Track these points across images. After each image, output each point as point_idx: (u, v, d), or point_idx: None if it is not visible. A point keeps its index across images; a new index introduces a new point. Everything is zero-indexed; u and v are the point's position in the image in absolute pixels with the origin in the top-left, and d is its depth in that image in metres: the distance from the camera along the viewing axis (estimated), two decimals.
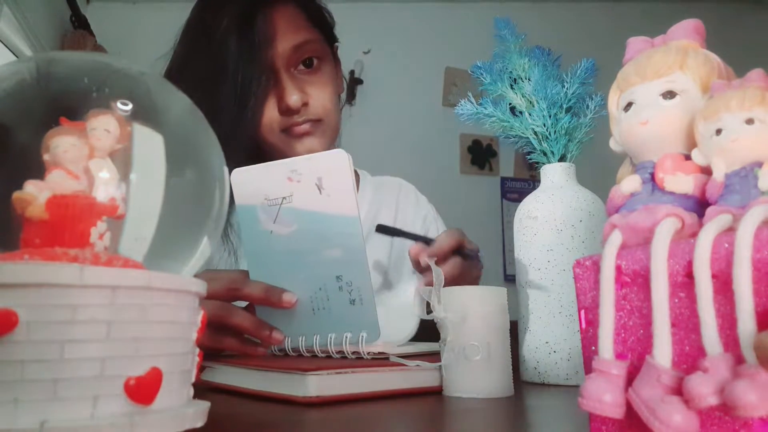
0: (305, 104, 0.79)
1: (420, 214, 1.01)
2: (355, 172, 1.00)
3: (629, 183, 0.30)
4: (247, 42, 0.75)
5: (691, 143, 0.29)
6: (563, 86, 0.65)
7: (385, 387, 0.49)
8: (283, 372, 0.47)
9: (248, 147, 0.78)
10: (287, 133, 0.80)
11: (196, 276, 0.32)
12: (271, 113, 0.79)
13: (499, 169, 2.74)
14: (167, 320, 0.28)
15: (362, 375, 0.48)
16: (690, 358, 0.25)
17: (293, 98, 0.77)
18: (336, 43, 0.91)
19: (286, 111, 0.79)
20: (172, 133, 0.33)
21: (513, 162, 2.74)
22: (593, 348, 0.28)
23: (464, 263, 0.66)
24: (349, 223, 0.53)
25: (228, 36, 0.76)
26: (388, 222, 0.96)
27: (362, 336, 0.53)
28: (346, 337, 0.53)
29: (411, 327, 0.67)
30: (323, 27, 0.86)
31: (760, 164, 0.26)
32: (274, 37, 0.77)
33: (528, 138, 0.66)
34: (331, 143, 0.86)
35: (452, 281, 0.59)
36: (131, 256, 0.29)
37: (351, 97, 2.57)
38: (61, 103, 0.31)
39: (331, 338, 0.55)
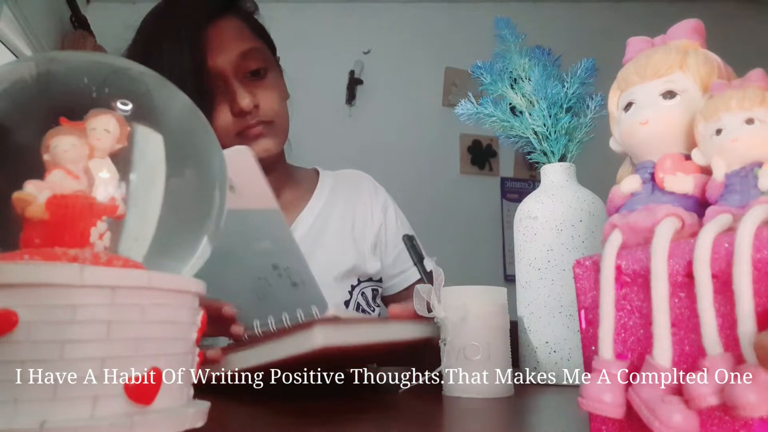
0: (256, 107, 0.86)
1: (379, 202, 1.05)
2: (315, 169, 1.06)
3: (629, 183, 0.30)
4: (197, 53, 0.82)
5: (691, 143, 0.29)
6: (563, 86, 0.65)
7: (386, 337, 0.50)
8: (286, 336, 0.47)
9: None
10: (242, 136, 0.86)
11: None
12: (225, 118, 0.85)
13: (499, 169, 2.74)
14: (167, 320, 0.28)
15: (365, 326, 0.48)
16: (690, 358, 0.25)
17: (245, 101, 0.83)
18: (277, 55, 0.99)
19: (239, 113, 0.85)
20: (172, 133, 0.33)
21: (513, 162, 2.74)
22: (593, 348, 0.28)
23: None
24: (271, 216, 0.52)
25: (178, 47, 0.81)
26: (347, 211, 1.00)
27: (314, 310, 0.54)
28: (300, 313, 0.54)
29: None
30: (266, 39, 0.95)
31: (760, 164, 0.26)
32: (222, 47, 0.84)
33: (528, 138, 0.66)
34: (283, 143, 0.93)
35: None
36: (131, 256, 0.29)
37: (351, 97, 2.57)
38: (61, 103, 0.30)
39: (286, 317, 0.55)
